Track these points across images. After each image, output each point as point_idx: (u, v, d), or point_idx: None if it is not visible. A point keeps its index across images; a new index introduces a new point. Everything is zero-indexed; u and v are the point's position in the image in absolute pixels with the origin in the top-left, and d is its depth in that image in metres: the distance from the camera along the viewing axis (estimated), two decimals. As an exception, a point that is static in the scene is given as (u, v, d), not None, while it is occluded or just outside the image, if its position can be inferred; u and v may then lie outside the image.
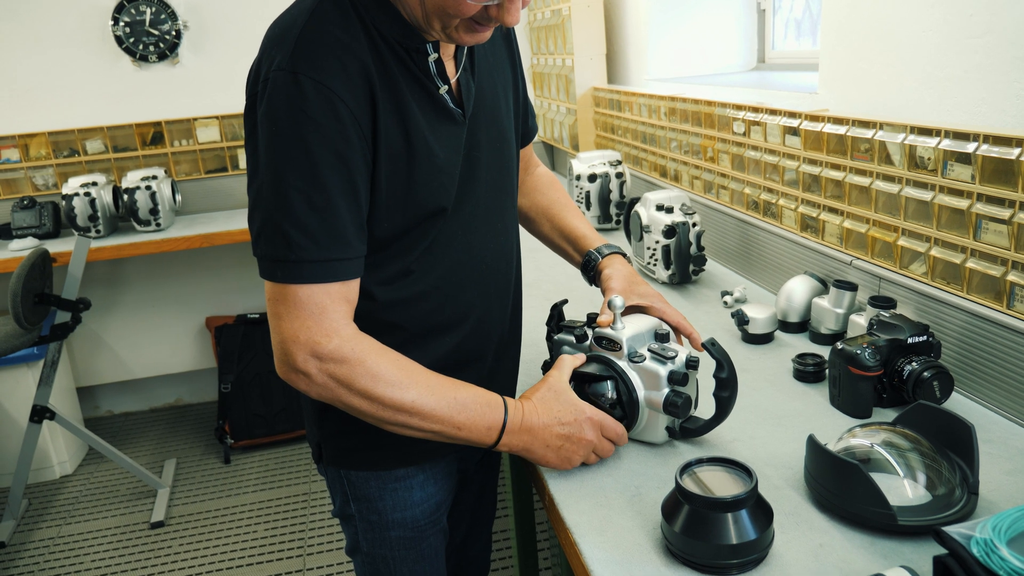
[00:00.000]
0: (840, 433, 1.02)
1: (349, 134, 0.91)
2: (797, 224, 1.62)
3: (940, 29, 1.29)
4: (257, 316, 3.11)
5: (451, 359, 1.10)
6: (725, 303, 1.67)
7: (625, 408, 1.10)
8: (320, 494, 2.74)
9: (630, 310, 1.20)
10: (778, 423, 1.18)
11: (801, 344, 1.46)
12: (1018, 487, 0.97)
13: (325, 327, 0.93)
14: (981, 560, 0.74)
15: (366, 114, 0.93)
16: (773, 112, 1.66)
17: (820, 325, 1.44)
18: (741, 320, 1.47)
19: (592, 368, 1.12)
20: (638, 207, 1.89)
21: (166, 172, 3.10)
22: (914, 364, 1.15)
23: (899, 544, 0.89)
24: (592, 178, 2.22)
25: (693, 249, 1.74)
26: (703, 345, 1.10)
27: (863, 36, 1.49)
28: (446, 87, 1.03)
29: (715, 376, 1.09)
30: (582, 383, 1.13)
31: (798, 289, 1.50)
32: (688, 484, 0.90)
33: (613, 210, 2.25)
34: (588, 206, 2.27)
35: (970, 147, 1.15)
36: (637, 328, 1.14)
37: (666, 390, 1.09)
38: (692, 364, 1.11)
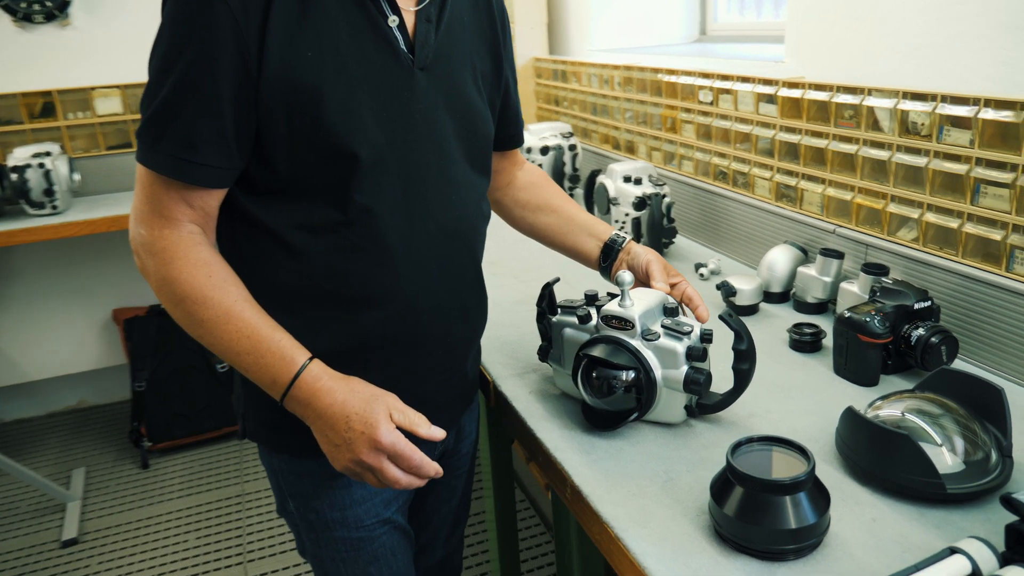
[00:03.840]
0: (862, 404, 1.00)
1: (222, 37, 0.87)
2: (772, 194, 1.60)
3: (925, -7, 1.28)
4: (173, 306, 2.86)
5: (377, 338, 1.00)
6: (701, 275, 1.63)
7: (643, 390, 1.04)
8: (256, 495, 2.56)
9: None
10: (788, 395, 1.15)
11: (786, 314, 1.44)
12: (1044, 448, 0.97)
13: (153, 217, 0.93)
14: (1062, 527, 0.72)
15: (254, 26, 0.87)
16: (746, 80, 1.63)
17: (806, 294, 1.42)
18: (728, 292, 1.44)
19: (599, 351, 1.05)
20: (603, 179, 1.83)
21: (61, 148, 2.78)
22: (921, 330, 1.14)
23: (948, 513, 0.87)
24: (544, 151, 2.15)
25: (664, 221, 1.70)
26: (720, 317, 1.05)
27: (835, 2, 1.47)
28: (396, 20, 0.95)
29: (734, 348, 1.05)
30: (592, 368, 1.05)
31: (780, 259, 1.48)
32: (741, 466, 0.84)
33: (567, 183, 2.18)
34: (539, 181, 2.19)
35: (969, 111, 1.15)
36: (647, 304, 1.08)
37: (685, 367, 1.04)
38: (707, 338, 1.06)
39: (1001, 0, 1.16)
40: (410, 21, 0.97)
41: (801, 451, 0.85)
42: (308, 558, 1.16)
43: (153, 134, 0.90)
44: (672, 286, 1.14)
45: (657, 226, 1.69)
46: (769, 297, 1.49)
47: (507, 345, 1.37)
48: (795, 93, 1.48)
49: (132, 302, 3.09)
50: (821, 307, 1.42)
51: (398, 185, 0.98)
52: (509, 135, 1.23)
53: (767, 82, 1.56)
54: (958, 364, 1.20)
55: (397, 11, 0.95)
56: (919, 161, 1.24)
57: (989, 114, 1.12)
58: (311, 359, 0.92)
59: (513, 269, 1.74)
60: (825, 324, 1.32)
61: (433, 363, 1.07)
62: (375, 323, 1.00)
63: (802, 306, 1.44)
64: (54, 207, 2.63)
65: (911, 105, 1.24)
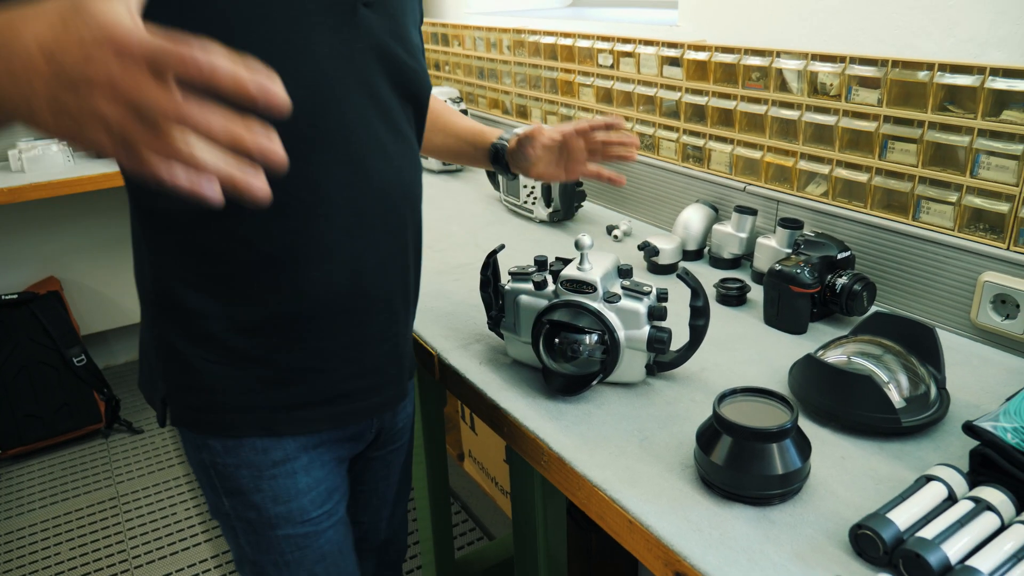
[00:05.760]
0: (799, 351, 1.06)
1: None
2: (678, 155, 1.65)
3: (827, -41, 1.35)
4: (15, 296, 2.51)
5: (316, 303, 0.91)
6: (615, 237, 1.66)
7: (608, 351, 1.04)
8: (133, 495, 2.34)
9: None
10: (731, 348, 1.20)
11: (703, 270, 1.49)
12: (960, 378, 1.08)
13: None
14: (1019, 447, 0.80)
15: None
16: (649, 43, 1.65)
17: (722, 250, 1.49)
18: (651, 252, 1.47)
19: (562, 316, 1.04)
20: (508, 144, 1.80)
21: None
22: (844, 279, 1.22)
23: (903, 444, 0.94)
24: (438, 115, 2.08)
25: (574, 185, 1.71)
26: (677, 275, 1.07)
27: (736, -34, 1.52)
28: None
29: (691, 305, 1.07)
30: (554, 333, 1.04)
31: (695, 217, 1.53)
32: (729, 416, 0.87)
33: (462, 149, 2.13)
34: (433, 146, 2.12)
35: (878, 71, 1.23)
36: (605, 267, 1.08)
37: (647, 327, 1.05)
38: (663, 297, 1.08)
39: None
40: None
41: (781, 399, 0.89)
42: (246, 567, 1.05)
43: None
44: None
45: (569, 190, 1.69)
46: (685, 255, 1.54)
47: (443, 317, 1.33)
48: (702, 56, 1.53)
49: (-43, 295, 2.69)
50: (735, 262, 1.49)
51: (337, 125, 0.87)
52: None
53: (671, 45, 1.59)
54: (872, 308, 1.30)
55: None
56: (829, 120, 1.32)
57: (897, 73, 1.20)
58: None
59: (426, 239, 1.68)
60: (742, 278, 1.39)
61: (378, 329, 0.99)
62: (313, 285, 0.90)
63: (718, 262, 1.50)
64: None
65: (820, 66, 1.32)
